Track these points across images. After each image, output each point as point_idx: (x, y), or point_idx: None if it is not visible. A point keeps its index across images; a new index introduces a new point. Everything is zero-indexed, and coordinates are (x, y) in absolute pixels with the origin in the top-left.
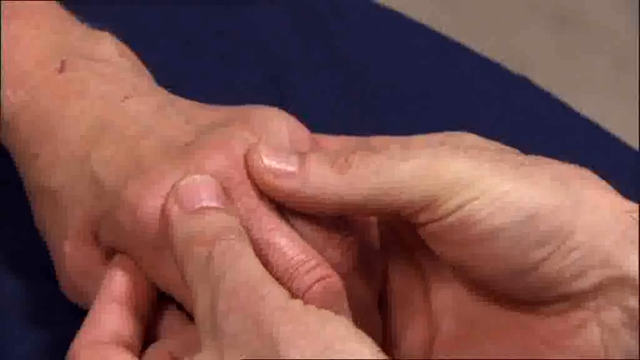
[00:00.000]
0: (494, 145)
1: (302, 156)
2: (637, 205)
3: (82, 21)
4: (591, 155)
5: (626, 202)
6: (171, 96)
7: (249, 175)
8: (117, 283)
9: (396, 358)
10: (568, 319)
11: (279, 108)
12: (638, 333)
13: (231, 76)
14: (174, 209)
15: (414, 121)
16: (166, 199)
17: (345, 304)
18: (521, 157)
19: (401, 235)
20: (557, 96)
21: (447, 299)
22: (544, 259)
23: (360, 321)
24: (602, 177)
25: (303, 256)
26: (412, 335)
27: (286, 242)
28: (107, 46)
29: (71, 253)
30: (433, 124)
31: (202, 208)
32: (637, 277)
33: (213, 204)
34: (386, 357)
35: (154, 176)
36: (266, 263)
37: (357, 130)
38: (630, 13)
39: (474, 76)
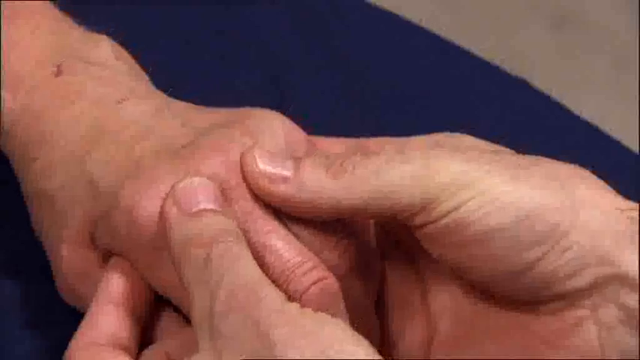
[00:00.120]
0: (493, 147)
1: (297, 160)
2: (636, 205)
3: (82, 21)
4: (590, 157)
5: (625, 201)
6: (168, 99)
7: (245, 179)
8: (114, 285)
9: (394, 358)
10: (565, 318)
11: (279, 108)
12: (636, 331)
13: (231, 76)
14: (172, 211)
15: (413, 122)
16: (164, 201)
17: (342, 306)
18: (519, 158)
19: (398, 236)
20: (557, 96)
21: (445, 300)
22: (539, 259)
23: (357, 323)
24: (602, 178)
25: (299, 259)
26: (410, 336)
27: (283, 245)
28: (104, 49)
29: (68, 256)
30: (433, 124)
31: (200, 210)
32: (637, 277)
33: (211, 206)
34: (382, 359)
35: (151, 178)
36: (263, 266)
37: (357, 130)
38: (630, 13)
39: (474, 77)
